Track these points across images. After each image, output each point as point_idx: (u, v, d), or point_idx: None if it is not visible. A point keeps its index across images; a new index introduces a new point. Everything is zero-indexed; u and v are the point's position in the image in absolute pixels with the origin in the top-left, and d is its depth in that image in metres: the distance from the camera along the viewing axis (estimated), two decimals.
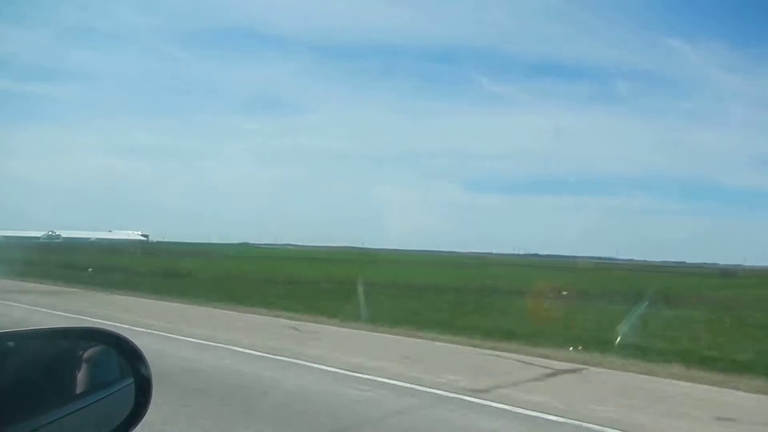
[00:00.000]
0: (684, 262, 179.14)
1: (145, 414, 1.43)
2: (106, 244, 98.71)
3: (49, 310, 13.20)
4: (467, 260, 77.74)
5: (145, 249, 73.50)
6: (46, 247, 66.24)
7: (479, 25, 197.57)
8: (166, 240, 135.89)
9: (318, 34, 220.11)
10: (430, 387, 6.92)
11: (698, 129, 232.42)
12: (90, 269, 27.41)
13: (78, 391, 1.34)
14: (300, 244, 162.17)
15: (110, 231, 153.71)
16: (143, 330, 10.30)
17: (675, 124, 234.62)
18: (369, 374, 7.44)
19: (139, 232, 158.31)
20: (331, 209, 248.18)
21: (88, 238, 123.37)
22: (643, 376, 8.13)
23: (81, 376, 1.36)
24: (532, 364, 8.66)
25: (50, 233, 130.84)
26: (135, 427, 1.40)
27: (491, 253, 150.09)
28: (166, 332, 10.46)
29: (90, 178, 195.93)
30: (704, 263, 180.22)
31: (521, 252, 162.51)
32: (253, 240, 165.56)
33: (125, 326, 9.47)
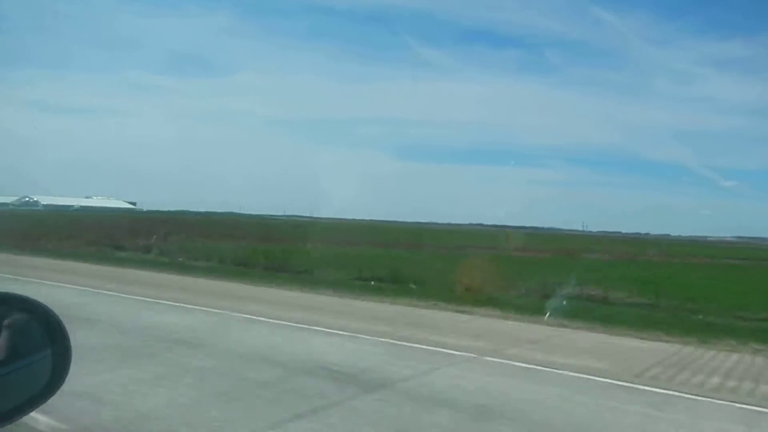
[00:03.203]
0: (619, 232, 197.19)
1: (62, 384, 1.44)
2: (94, 212, 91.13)
3: None
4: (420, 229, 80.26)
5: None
6: (63, 218, 55.51)
7: None
8: (155, 209, 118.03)
9: None
10: None
11: (625, 101, 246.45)
12: None
13: None
14: (238, 212, 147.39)
15: (89, 197, 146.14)
16: None
17: (604, 95, 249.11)
18: None
19: (123, 200, 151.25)
20: (261, 176, 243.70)
21: (71, 206, 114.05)
22: None
23: None
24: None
25: (26, 199, 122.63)
26: (50, 396, 1.43)
27: (434, 223, 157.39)
28: None
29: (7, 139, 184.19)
30: (638, 233, 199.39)
31: (465, 222, 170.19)
32: (189, 207, 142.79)
33: None
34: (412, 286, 17.51)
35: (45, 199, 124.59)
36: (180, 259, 23.19)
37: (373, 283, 17.99)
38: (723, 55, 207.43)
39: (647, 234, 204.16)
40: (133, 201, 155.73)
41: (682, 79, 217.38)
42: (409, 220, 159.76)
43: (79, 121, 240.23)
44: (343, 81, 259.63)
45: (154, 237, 26.56)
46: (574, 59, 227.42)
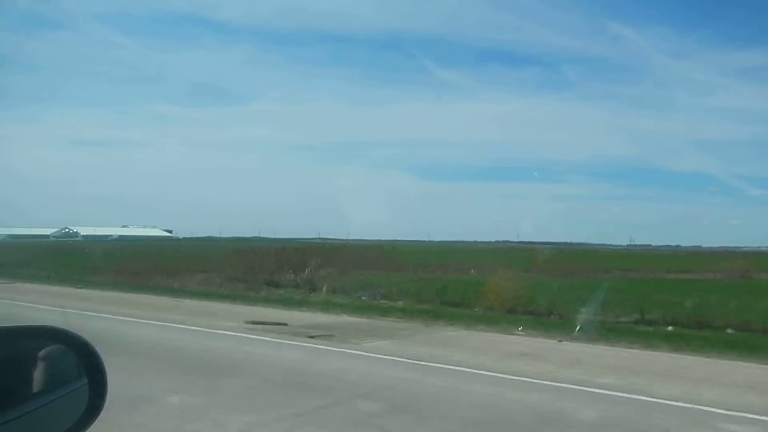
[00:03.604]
0: (649, 245, 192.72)
1: (99, 413, 1.43)
2: (133, 240, 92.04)
3: None
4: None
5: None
6: (113, 250, 47.51)
7: (426, 12, 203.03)
8: (191, 236, 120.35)
9: (262, 21, 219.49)
10: None
11: (645, 113, 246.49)
12: None
13: (33, 390, 1.34)
14: (267, 236, 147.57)
15: (125, 226, 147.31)
16: None
17: (623, 110, 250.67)
18: None
19: (160, 228, 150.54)
20: (289, 200, 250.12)
21: (109, 236, 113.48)
22: None
23: (36, 375, 1.35)
24: None
25: (66, 230, 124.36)
26: (89, 426, 1.42)
27: (461, 241, 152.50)
28: None
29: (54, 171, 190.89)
30: (668, 245, 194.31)
31: (491, 239, 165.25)
32: (216, 234, 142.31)
33: None
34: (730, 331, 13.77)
35: (84, 230, 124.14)
36: (363, 297, 19.61)
37: (671, 328, 14.24)
38: (744, 64, 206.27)
39: (677, 246, 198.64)
40: (169, 228, 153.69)
41: (702, 90, 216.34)
42: (435, 239, 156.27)
43: (110, 153, 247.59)
44: (362, 104, 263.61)
45: (308, 270, 23.01)
46: (592, 75, 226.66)
